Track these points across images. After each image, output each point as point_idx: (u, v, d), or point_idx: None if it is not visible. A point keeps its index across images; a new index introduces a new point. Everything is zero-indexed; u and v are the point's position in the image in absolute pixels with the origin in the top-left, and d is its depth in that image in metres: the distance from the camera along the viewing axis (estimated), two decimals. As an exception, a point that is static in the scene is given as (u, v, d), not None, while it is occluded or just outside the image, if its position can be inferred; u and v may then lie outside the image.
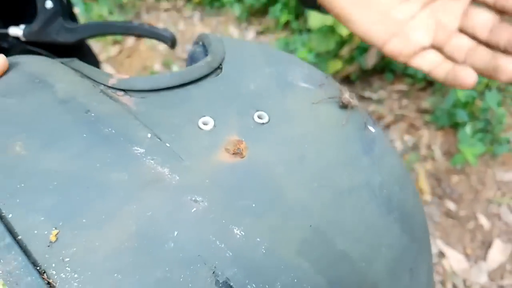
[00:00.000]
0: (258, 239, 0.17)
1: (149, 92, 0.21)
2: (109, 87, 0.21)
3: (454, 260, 1.15)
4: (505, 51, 0.28)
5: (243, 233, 0.17)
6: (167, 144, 0.19)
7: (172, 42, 0.28)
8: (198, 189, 0.18)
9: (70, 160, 0.18)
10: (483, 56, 0.29)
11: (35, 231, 0.16)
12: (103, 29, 0.30)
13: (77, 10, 1.72)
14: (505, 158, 1.40)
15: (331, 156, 0.21)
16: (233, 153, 0.19)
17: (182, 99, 0.21)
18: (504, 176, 1.36)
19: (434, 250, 1.16)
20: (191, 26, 1.81)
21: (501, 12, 0.29)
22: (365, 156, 0.22)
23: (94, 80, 0.22)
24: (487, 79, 1.49)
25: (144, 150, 0.18)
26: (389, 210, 0.21)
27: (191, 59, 0.26)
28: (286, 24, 1.66)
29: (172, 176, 0.18)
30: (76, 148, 0.18)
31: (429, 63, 0.31)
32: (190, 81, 0.22)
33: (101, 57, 1.62)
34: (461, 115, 1.34)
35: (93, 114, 0.19)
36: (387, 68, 1.47)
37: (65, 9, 0.30)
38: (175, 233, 0.17)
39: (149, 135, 0.19)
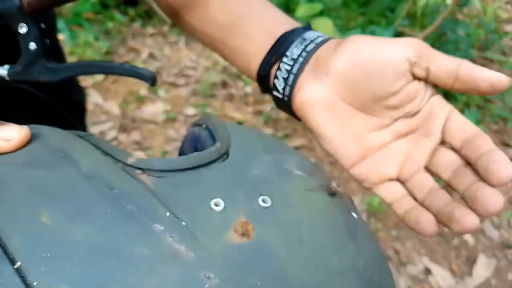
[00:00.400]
0: None
1: (165, 172, 0.23)
2: (128, 165, 0.23)
3: (440, 277, 1.15)
4: (463, 198, 0.28)
5: None
6: (183, 223, 0.21)
7: (152, 81, 0.29)
8: (210, 266, 0.19)
9: (95, 234, 0.19)
10: (441, 200, 0.29)
11: None
12: (84, 69, 0.31)
13: (62, 37, 1.73)
14: (486, 175, 1.43)
15: (324, 240, 0.23)
16: (241, 234, 0.21)
17: (195, 181, 0.23)
18: (486, 192, 1.38)
19: (420, 267, 1.17)
20: (176, 51, 1.84)
21: (465, 159, 0.29)
22: (350, 241, 0.24)
23: (114, 157, 0.24)
24: (466, 97, 1.53)
25: (163, 228, 0.20)
26: None
27: (196, 140, 0.29)
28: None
29: (188, 253, 0.19)
30: (101, 222, 0.20)
31: (392, 195, 0.31)
32: (201, 164, 0.24)
33: (87, 82, 1.62)
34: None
35: (116, 191, 0.21)
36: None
37: (47, 50, 0.31)
38: None
39: (167, 214, 0.21)
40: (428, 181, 0.30)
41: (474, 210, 0.27)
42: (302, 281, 0.21)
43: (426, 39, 1.53)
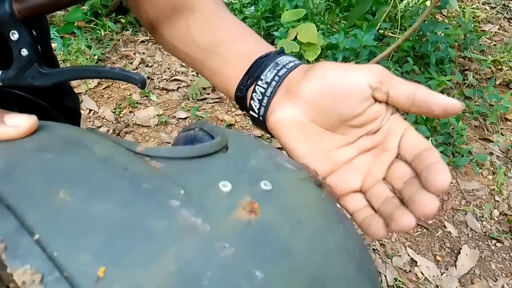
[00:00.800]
0: (275, 282, 0.21)
1: (172, 159, 0.25)
2: (137, 153, 0.24)
3: (425, 268, 1.18)
4: (406, 203, 0.30)
5: (263, 276, 0.20)
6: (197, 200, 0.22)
7: (142, 85, 0.30)
8: (225, 237, 0.21)
9: (114, 208, 0.20)
10: (392, 206, 0.31)
11: (81, 268, 0.18)
12: (77, 74, 0.31)
13: (54, 45, 1.74)
14: (467, 169, 1.46)
15: (319, 222, 0.26)
16: (249, 211, 0.23)
17: (201, 167, 0.25)
18: (468, 185, 1.41)
19: (405, 259, 1.19)
20: (167, 57, 1.85)
21: (414, 170, 0.31)
22: (340, 225, 0.27)
23: (123, 146, 0.25)
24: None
25: (179, 203, 0.21)
26: (362, 269, 0.26)
27: (193, 140, 0.30)
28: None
29: (204, 226, 0.21)
30: (119, 198, 0.21)
31: (354, 205, 0.33)
32: (205, 154, 0.26)
33: (81, 89, 1.64)
34: (423, 130, 1.41)
35: (131, 172, 0.22)
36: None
37: (40, 56, 0.31)
38: (209, 272, 0.19)
39: (182, 191, 0.22)
40: (384, 191, 0.33)
41: (412, 212, 0.29)
42: (304, 256, 0.23)
43: (407, 40, 1.57)
